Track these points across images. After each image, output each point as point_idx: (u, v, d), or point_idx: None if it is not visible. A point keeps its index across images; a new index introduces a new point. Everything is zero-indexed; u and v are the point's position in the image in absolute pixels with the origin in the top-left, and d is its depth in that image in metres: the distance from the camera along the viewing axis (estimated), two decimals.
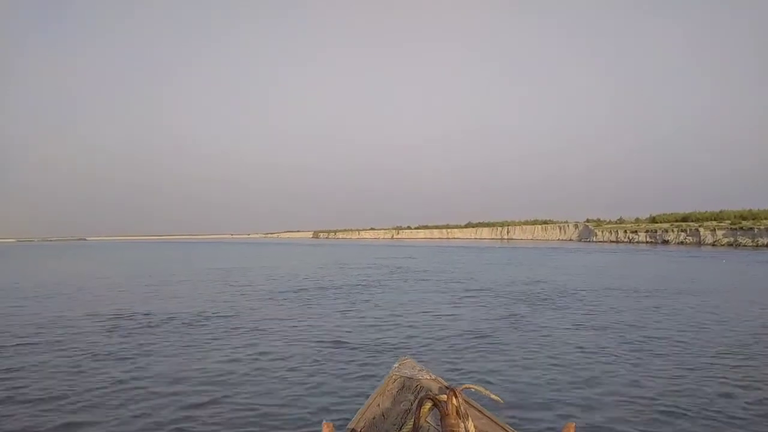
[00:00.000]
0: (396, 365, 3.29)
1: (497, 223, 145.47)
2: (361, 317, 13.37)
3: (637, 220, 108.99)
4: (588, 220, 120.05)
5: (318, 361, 8.76)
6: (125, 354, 9.37)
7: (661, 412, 6.16)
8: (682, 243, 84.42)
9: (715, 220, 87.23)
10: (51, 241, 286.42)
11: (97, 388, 7.28)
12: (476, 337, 10.55)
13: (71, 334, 11.27)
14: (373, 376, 7.66)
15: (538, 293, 17.83)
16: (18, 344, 10.29)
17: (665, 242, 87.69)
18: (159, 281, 24.47)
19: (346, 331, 11.39)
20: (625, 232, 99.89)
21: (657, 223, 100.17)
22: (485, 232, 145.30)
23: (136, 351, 9.60)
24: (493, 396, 2.86)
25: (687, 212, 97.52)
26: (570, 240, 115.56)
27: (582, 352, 9.21)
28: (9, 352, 9.59)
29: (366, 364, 8.48)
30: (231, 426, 5.93)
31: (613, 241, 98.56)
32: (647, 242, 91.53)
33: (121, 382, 7.61)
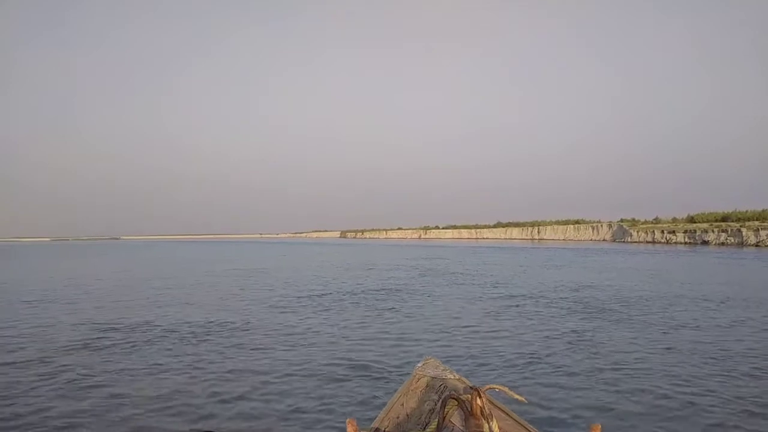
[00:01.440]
0: (420, 364, 3.21)
1: (527, 223, 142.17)
2: (387, 330, 11.31)
3: (675, 220, 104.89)
4: (622, 220, 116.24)
5: (331, 386, 6.77)
6: (91, 382, 7.51)
7: None
8: (722, 244, 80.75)
9: (757, 219, 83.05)
10: (84, 240, 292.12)
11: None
12: (529, 361, 8.44)
13: (46, 352, 9.49)
14: None
15: (593, 301, 15.55)
16: None
17: (705, 243, 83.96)
18: (171, 284, 22.82)
19: (369, 349, 9.37)
20: (662, 232, 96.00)
21: (695, 222, 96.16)
22: (515, 232, 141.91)
23: (108, 375, 7.75)
24: (517, 396, 2.78)
25: (727, 211, 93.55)
26: (603, 240, 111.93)
27: (686, 393, 7.01)
28: None
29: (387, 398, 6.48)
30: None
31: (649, 242, 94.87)
32: (686, 243, 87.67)
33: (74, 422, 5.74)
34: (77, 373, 7.93)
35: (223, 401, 6.57)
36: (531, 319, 12.54)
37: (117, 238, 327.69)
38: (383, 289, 19.45)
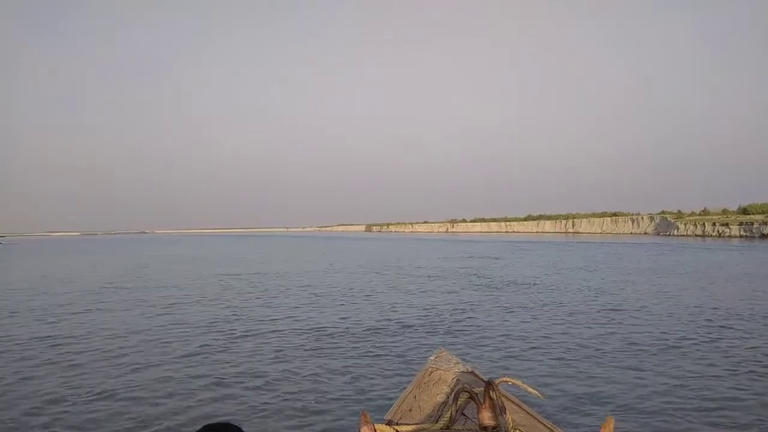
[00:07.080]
0: (432, 357, 3.01)
1: (561, 215, 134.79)
2: None
3: (725, 212, 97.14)
4: (664, 212, 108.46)
5: None
6: None
7: None
8: None
9: None
10: (113, 234, 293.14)
11: None
12: None
13: None
14: None
15: None
16: None
17: (763, 236, 76.74)
18: (131, 300, 16.62)
19: None
20: (714, 225, 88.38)
21: (749, 214, 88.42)
22: (548, 225, 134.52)
23: None
24: (531, 390, 2.53)
25: None
26: (645, 234, 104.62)
27: None
28: None
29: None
30: None
31: (698, 235, 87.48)
32: (741, 236, 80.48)
33: None
34: None
35: None
36: None
37: (145, 233, 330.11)
38: (424, 324, 12.91)
